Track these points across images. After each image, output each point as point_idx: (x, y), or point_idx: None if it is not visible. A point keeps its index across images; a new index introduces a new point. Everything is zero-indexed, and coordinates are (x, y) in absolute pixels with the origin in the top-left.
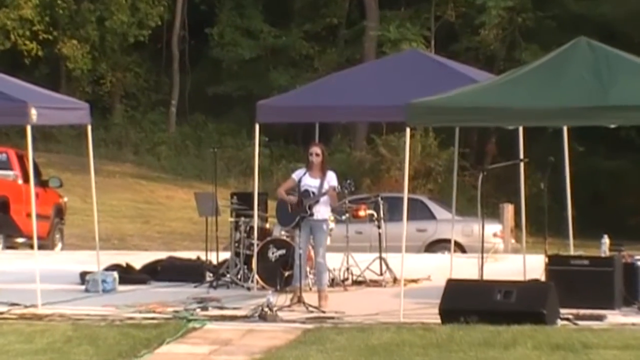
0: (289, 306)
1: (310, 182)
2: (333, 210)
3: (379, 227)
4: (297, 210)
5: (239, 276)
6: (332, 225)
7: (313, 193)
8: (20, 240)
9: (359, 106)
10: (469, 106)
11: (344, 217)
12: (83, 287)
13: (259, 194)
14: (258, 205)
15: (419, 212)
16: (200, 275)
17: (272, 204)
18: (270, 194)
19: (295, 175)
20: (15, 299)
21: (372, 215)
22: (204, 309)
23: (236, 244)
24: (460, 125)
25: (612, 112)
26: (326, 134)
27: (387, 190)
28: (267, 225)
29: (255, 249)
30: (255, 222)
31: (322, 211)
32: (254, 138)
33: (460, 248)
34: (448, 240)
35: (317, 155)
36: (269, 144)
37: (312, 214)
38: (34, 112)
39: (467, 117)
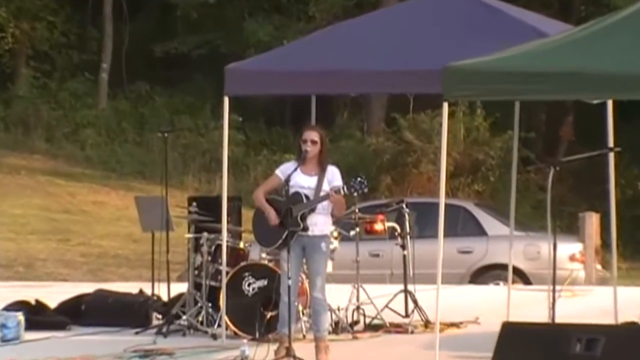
0: None
1: (303, 181)
2: (336, 223)
3: (403, 246)
4: (285, 223)
5: (200, 318)
6: (335, 244)
7: (307, 197)
8: None
9: (374, 72)
10: (533, 71)
11: (352, 233)
12: None
13: (229, 198)
14: (228, 215)
15: (463, 225)
16: (143, 317)
17: (248, 214)
18: (245, 198)
19: (282, 172)
20: None
21: (394, 229)
22: None
23: (196, 272)
24: (520, 99)
25: None
26: (327, 113)
27: (416, 193)
28: (241, 245)
29: (224, 279)
30: (224, 239)
31: (320, 224)
32: (221, 118)
33: (522, 277)
34: (504, 266)
35: (313, 142)
36: (244, 126)
37: (305, 228)
38: None
39: (530, 87)
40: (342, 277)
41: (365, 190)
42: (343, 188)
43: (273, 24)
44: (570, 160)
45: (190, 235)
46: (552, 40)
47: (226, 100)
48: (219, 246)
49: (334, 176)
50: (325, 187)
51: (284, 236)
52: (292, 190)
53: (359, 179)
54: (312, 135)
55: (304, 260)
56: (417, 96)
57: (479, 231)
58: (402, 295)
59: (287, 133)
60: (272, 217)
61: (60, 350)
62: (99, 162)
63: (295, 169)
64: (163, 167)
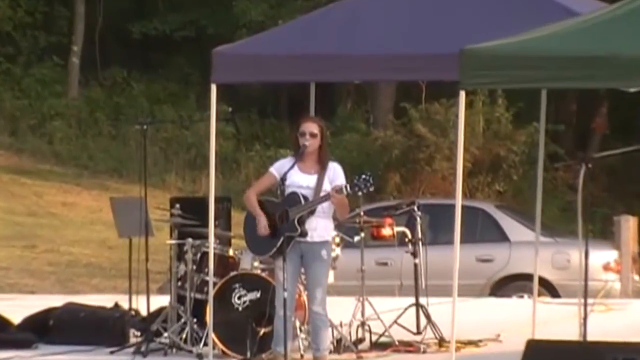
0: None
1: (301, 179)
2: (338, 227)
3: (414, 254)
4: (280, 228)
5: (183, 335)
6: (337, 251)
7: (306, 198)
8: None
9: (381, 56)
10: (562, 55)
11: (357, 239)
12: None
13: (217, 199)
14: (216, 218)
15: (482, 229)
16: (119, 334)
17: (238, 217)
18: (235, 199)
19: (276, 170)
20: None
21: (404, 235)
22: None
23: (179, 283)
24: (548, 87)
25: None
26: (328, 102)
27: (429, 193)
28: (231, 252)
29: (211, 291)
30: (211, 246)
31: (320, 228)
32: (208, 108)
33: (550, 289)
34: (529, 276)
35: (312, 135)
36: (235, 118)
37: (304, 233)
38: None
39: (559, 74)
40: (345, 288)
41: (371, 189)
42: (346, 187)
43: (267, 1)
44: (604, 156)
45: (173, 242)
46: (584, 20)
47: (213, 88)
48: (205, 254)
49: (335, 174)
50: (326, 186)
51: (279, 243)
52: (288, 190)
53: (364, 176)
54: (311, 127)
55: (302, 270)
56: (430, 84)
57: (501, 237)
58: (413, 310)
59: (283, 125)
60: (262, 225)
61: None
62: (69, 158)
63: (292, 166)
64: (142, 163)
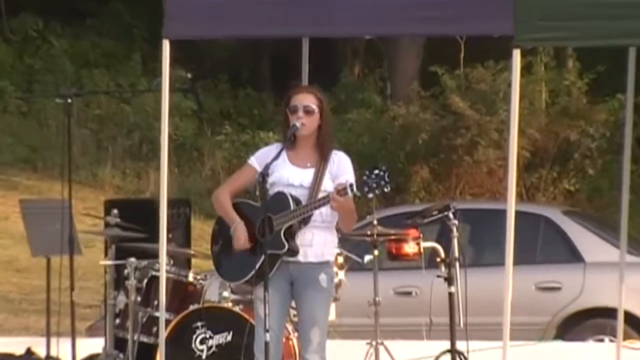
0: None
1: (291, 175)
2: (343, 242)
3: (449, 280)
4: (261, 243)
5: None
6: (340, 276)
7: (298, 201)
8: None
9: (403, 0)
10: None
11: (368, 258)
12: None
13: (171, 203)
14: (170, 229)
15: (545, 245)
16: None
17: (201, 227)
18: (197, 202)
19: (258, 160)
20: None
21: (434, 252)
22: None
23: (118, 321)
24: (638, 45)
25: None
26: (328, 66)
27: (470, 194)
28: (191, 277)
29: (162, 333)
30: (163, 268)
31: (318, 244)
32: (158, 74)
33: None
34: (611, 312)
35: (307, 112)
36: (196, 88)
37: (294, 251)
38: None
39: None
40: (353, 329)
41: (387, 189)
42: (352, 186)
43: None
44: None
45: (109, 262)
46: None
47: (166, 45)
48: (154, 279)
49: (340, 167)
50: (327, 185)
51: (259, 263)
52: (273, 190)
53: (377, 171)
54: (307, 100)
55: (292, 303)
56: (470, 40)
57: (571, 255)
58: (447, 358)
59: (264, 99)
60: (241, 237)
61: None
62: None
63: (279, 156)
64: (65, 152)
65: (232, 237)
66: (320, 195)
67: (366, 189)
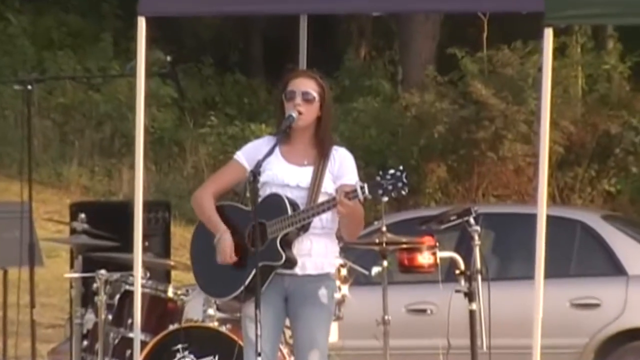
0: None
1: (286, 174)
2: (346, 252)
3: (469, 296)
4: (252, 253)
5: None
6: (343, 290)
7: (294, 205)
8: None
9: None
10: None
11: (376, 270)
12: None
13: (147, 206)
14: (145, 237)
15: (582, 255)
16: None
17: (182, 234)
18: (178, 205)
19: (247, 156)
20: None
21: (453, 264)
22: None
23: (85, 343)
24: None
25: None
26: (329, 48)
27: (494, 195)
28: (170, 292)
29: (137, 357)
30: (138, 281)
31: (317, 254)
32: (132, 56)
33: None
34: None
35: (306, 100)
36: (177, 73)
37: (291, 262)
38: None
39: None
40: (358, 352)
41: (405, 191)
42: (363, 189)
43: None
44: None
45: (75, 275)
46: None
47: (141, 23)
48: (127, 295)
49: (342, 166)
50: (327, 185)
51: (249, 277)
52: (265, 191)
53: (392, 171)
54: (306, 86)
55: (287, 322)
56: (495, 18)
57: (611, 267)
58: None
59: (255, 85)
60: (227, 247)
61: None
62: None
63: (272, 152)
64: (23, 147)
65: (216, 249)
66: (321, 198)
67: (380, 191)
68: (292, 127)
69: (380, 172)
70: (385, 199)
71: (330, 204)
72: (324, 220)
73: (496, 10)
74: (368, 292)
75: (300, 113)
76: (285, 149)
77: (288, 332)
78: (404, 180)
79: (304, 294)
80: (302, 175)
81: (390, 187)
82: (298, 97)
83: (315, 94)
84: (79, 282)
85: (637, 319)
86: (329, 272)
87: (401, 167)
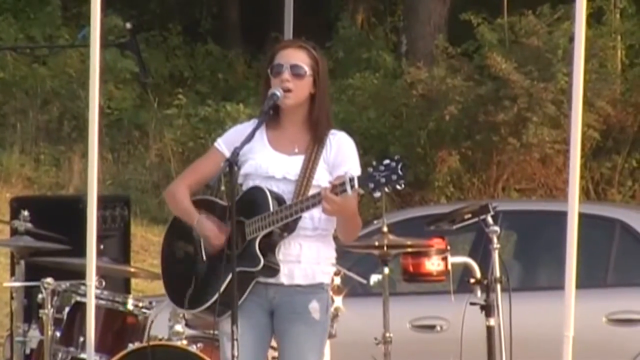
0: None
1: (272, 163)
2: (341, 254)
3: (486, 309)
4: (228, 257)
5: None
6: (337, 302)
7: (281, 200)
8: None
9: None
10: None
11: (375, 279)
12: None
13: (103, 201)
14: (101, 237)
15: (620, 260)
16: None
17: (144, 234)
18: (139, 201)
19: (226, 143)
20: None
21: (467, 271)
22: None
23: None
24: None
25: None
26: (320, 13)
27: (516, 189)
28: (130, 304)
29: None
30: (91, 291)
31: (308, 260)
32: (86, 23)
33: None
34: None
35: (296, 75)
36: (138, 44)
37: (272, 268)
38: None
39: None
40: None
41: (401, 185)
42: (352, 181)
43: None
44: None
45: (17, 284)
46: None
47: None
48: (79, 307)
49: (340, 153)
50: (322, 177)
51: (224, 284)
52: (248, 184)
53: (387, 161)
54: (296, 57)
55: (272, 339)
56: None
57: None
58: None
59: (232, 57)
60: (211, 228)
61: None
62: None
63: (252, 138)
64: None
65: (200, 237)
66: (312, 192)
67: (372, 184)
68: (280, 108)
69: (374, 162)
70: (378, 193)
71: (316, 199)
72: (317, 220)
73: None
74: (366, 304)
75: (288, 90)
76: (272, 134)
77: (274, 353)
78: (400, 172)
79: (292, 308)
80: (291, 165)
81: (383, 180)
82: (286, 71)
83: (307, 68)
84: (21, 293)
85: None
86: (322, 282)
87: (397, 157)
